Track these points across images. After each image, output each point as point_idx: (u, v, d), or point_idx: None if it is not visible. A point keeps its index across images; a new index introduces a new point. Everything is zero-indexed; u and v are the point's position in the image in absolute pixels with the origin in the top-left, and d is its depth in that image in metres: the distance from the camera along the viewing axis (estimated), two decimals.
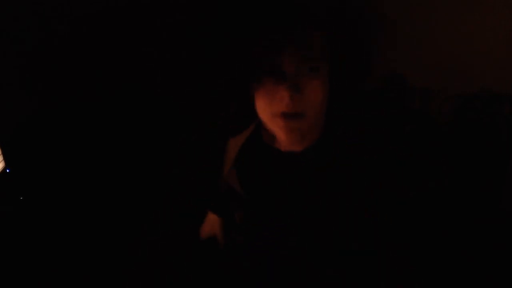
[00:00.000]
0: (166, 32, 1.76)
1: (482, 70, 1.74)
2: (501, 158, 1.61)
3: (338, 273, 0.79)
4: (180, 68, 1.81)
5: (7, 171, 1.50)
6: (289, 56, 0.62)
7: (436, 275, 0.81)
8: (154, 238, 1.55)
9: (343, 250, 0.82)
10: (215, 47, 0.75)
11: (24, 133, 1.67)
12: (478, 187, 1.59)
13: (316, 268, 0.81)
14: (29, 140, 1.68)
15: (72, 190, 1.69)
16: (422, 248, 0.80)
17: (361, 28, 0.71)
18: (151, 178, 1.78)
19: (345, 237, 0.82)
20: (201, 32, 1.49)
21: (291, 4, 0.63)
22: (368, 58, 0.72)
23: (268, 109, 0.67)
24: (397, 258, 0.79)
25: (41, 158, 1.69)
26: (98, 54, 1.72)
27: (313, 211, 0.79)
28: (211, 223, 1.07)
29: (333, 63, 0.66)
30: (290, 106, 0.64)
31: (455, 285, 0.87)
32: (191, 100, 1.73)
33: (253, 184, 0.83)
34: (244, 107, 0.73)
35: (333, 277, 0.79)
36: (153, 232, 1.59)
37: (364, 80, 0.73)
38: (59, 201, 1.64)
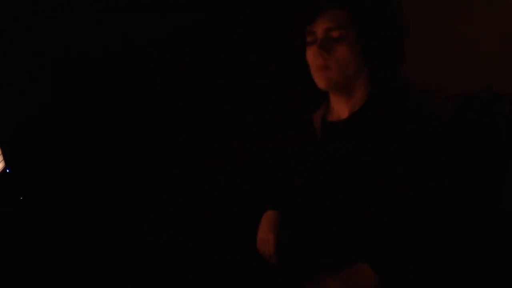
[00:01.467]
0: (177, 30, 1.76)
1: (482, 70, 1.74)
2: (501, 158, 1.61)
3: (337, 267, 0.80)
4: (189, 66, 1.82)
5: (7, 171, 1.50)
6: (319, 26, 0.88)
7: (436, 275, 0.81)
8: (154, 238, 1.55)
9: (343, 249, 0.82)
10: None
11: (24, 133, 1.67)
12: (478, 187, 1.59)
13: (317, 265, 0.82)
14: (29, 140, 1.68)
15: (72, 190, 1.69)
16: (422, 247, 0.80)
17: (380, 6, 0.89)
18: (151, 178, 1.78)
19: (344, 236, 0.82)
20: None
21: None
22: (389, 31, 0.89)
23: (311, 62, 0.93)
24: (397, 258, 0.79)
25: (41, 158, 1.69)
26: (98, 54, 1.72)
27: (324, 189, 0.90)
28: (269, 224, 1.06)
29: (359, 32, 0.87)
30: (319, 60, 0.89)
31: (455, 285, 0.87)
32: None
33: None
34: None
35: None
36: (153, 232, 1.59)
37: (391, 52, 0.91)
38: (59, 201, 1.64)
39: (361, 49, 0.89)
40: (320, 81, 0.92)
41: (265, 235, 1.03)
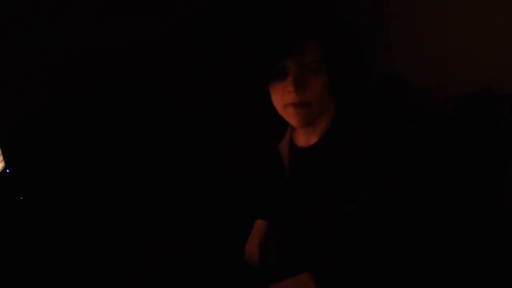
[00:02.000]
0: (171, 35, 1.76)
1: (482, 70, 1.74)
2: (501, 158, 1.61)
3: (336, 271, 0.80)
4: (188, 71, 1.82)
5: (7, 171, 1.50)
6: (292, 61, 0.81)
7: (436, 275, 0.81)
8: (154, 238, 1.55)
9: (343, 249, 0.82)
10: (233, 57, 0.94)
11: (24, 133, 1.67)
12: (478, 187, 1.59)
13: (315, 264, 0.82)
14: (29, 140, 1.68)
15: (72, 190, 1.69)
16: (422, 247, 0.80)
17: (353, 37, 0.85)
18: (151, 178, 1.78)
19: (344, 236, 0.83)
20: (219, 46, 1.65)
21: (292, 20, 0.81)
22: (360, 59, 0.86)
23: (280, 101, 0.85)
24: (397, 258, 0.79)
25: (41, 158, 1.69)
26: (98, 54, 1.72)
27: (314, 205, 0.88)
28: (256, 234, 1.09)
29: (330, 64, 0.82)
30: (296, 98, 0.82)
31: (455, 285, 0.88)
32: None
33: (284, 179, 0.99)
34: (273, 113, 0.89)
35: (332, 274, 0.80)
36: (153, 232, 1.59)
37: (360, 77, 0.88)
38: (59, 201, 1.64)
39: (331, 80, 0.84)
40: (296, 120, 0.85)
41: (251, 247, 1.07)
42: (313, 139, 0.91)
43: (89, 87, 1.75)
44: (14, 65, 1.63)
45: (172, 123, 1.83)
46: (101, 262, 1.46)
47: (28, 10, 1.60)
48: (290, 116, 0.85)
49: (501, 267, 1.27)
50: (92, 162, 1.75)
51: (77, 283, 1.38)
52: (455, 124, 1.78)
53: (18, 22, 1.60)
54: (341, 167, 0.83)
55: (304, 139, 0.93)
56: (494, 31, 1.69)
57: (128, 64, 1.76)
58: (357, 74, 0.86)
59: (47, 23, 1.64)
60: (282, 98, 0.84)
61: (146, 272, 1.26)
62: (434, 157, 0.86)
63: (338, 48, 0.82)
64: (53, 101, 1.72)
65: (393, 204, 0.79)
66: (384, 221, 0.80)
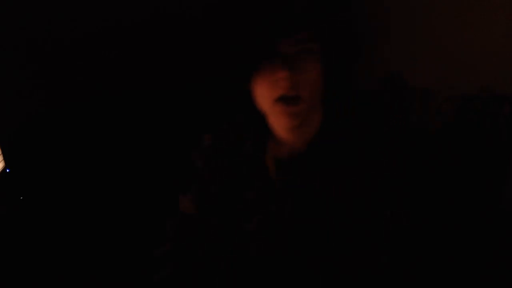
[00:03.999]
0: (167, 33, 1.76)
1: (482, 70, 1.74)
2: (501, 158, 1.61)
3: (336, 275, 0.78)
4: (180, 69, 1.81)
5: (7, 171, 1.50)
6: (286, 40, 0.68)
7: (436, 275, 0.81)
8: (154, 238, 1.55)
9: (341, 253, 0.79)
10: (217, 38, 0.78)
11: (24, 133, 1.67)
12: (478, 187, 1.59)
13: (315, 269, 0.80)
14: (29, 140, 1.68)
15: (72, 190, 1.69)
16: (422, 247, 0.80)
17: (349, 22, 0.74)
18: (151, 178, 1.78)
19: (343, 240, 0.80)
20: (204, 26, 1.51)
21: None
22: (356, 43, 0.76)
23: (268, 94, 0.71)
24: (396, 258, 0.78)
25: (41, 158, 1.69)
26: (98, 54, 1.72)
27: (309, 214, 0.77)
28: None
29: (325, 45, 0.71)
30: (288, 87, 0.68)
31: (456, 285, 0.87)
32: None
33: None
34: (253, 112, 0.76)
35: (332, 278, 0.78)
36: (153, 233, 1.58)
37: (353, 73, 0.77)
38: (59, 201, 1.64)
39: (324, 70, 0.72)
40: (286, 119, 0.72)
41: None
42: (300, 147, 0.78)
43: (89, 87, 1.75)
44: (14, 66, 1.63)
45: (172, 123, 1.83)
46: (101, 262, 1.46)
47: (29, 11, 1.60)
48: (279, 113, 0.72)
49: (501, 267, 1.27)
50: (92, 162, 1.74)
51: (77, 283, 1.38)
52: (455, 124, 1.78)
53: (18, 23, 1.60)
54: (332, 181, 0.74)
55: (288, 148, 0.79)
56: (494, 31, 1.69)
57: (128, 64, 1.76)
58: (351, 67, 0.75)
59: (48, 24, 1.64)
60: (271, 90, 0.70)
61: (146, 272, 1.25)
62: (425, 158, 0.80)
63: (334, 30, 0.72)
64: (53, 101, 1.72)
65: (388, 206, 0.77)
66: (382, 223, 0.78)
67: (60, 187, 1.68)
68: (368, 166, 0.73)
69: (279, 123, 0.75)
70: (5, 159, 1.49)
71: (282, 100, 0.70)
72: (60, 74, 1.71)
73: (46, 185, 1.67)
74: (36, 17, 1.62)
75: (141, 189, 1.74)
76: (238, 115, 0.84)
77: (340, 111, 0.79)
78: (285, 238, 0.78)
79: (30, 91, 1.67)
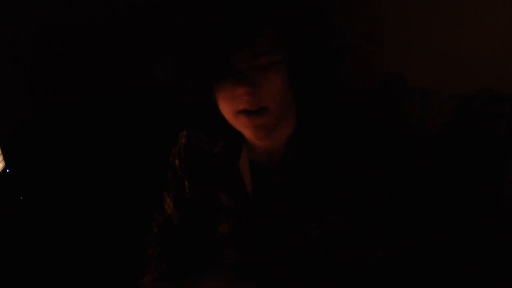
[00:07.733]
0: None
1: (482, 70, 1.74)
2: (501, 158, 1.61)
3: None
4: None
5: (7, 171, 1.50)
6: (241, 54, 0.61)
7: (436, 275, 0.81)
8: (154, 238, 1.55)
9: (317, 256, 0.76)
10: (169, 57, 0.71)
11: (24, 133, 1.67)
12: (478, 187, 1.59)
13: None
14: (29, 140, 1.68)
15: (72, 190, 1.69)
16: (421, 247, 0.80)
17: (314, 22, 0.66)
18: (150, 178, 1.78)
19: (318, 243, 0.76)
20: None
21: (237, 2, 0.61)
22: (330, 51, 0.68)
23: (230, 108, 0.66)
24: (396, 258, 0.78)
25: (41, 158, 1.69)
26: (98, 55, 1.72)
27: (284, 219, 0.74)
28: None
29: (288, 55, 0.64)
30: (250, 102, 0.63)
31: (455, 285, 0.87)
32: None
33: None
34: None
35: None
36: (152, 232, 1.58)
37: (331, 74, 0.69)
38: (59, 201, 1.64)
39: (289, 75, 0.66)
40: (251, 131, 0.67)
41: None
42: (274, 153, 0.74)
43: (88, 87, 1.75)
44: (14, 66, 1.63)
45: (172, 122, 1.83)
46: (101, 262, 1.46)
47: (29, 11, 1.60)
48: (243, 126, 0.67)
49: (501, 266, 1.27)
50: (92, 162, 1.75)
51: (76, 282, 1.38)
52: (455, 124, 1.78)
53: (18, 24, 1.60)
54: (307, 187, 0.71)
55: (262, 152, 0.75)
56: (494, 31, 1.70)
57: (128, 64, 1.76)
58: (326, 69, 0.68)
59: (48, 24, 1.64)
60: (232, 104, 0.65)
61: (145, 272, 1.25)
62: (429, 163, 0.78)
63: (300, 34, 0.64)
64: (52, 101, 1.72)
65: (365, 208, 0.74)
66: (357, 225, 0.74)
67: (60, 187, 1.68)
68: (343, 167, 0.70)
69: (245, 133, 0.71)
70: (5, 159, 1.49)
71: (245, 113, 0.65)
72: (60, 74, 1.72)
73: (46, 185, 1.67)
74: (36, 17, 1.62)
75: (141, 189, 1.74)
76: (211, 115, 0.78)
77: (316, 112, 0.74)
78: (258, 242, 0.76)
79: (30, 91, 1.68)
